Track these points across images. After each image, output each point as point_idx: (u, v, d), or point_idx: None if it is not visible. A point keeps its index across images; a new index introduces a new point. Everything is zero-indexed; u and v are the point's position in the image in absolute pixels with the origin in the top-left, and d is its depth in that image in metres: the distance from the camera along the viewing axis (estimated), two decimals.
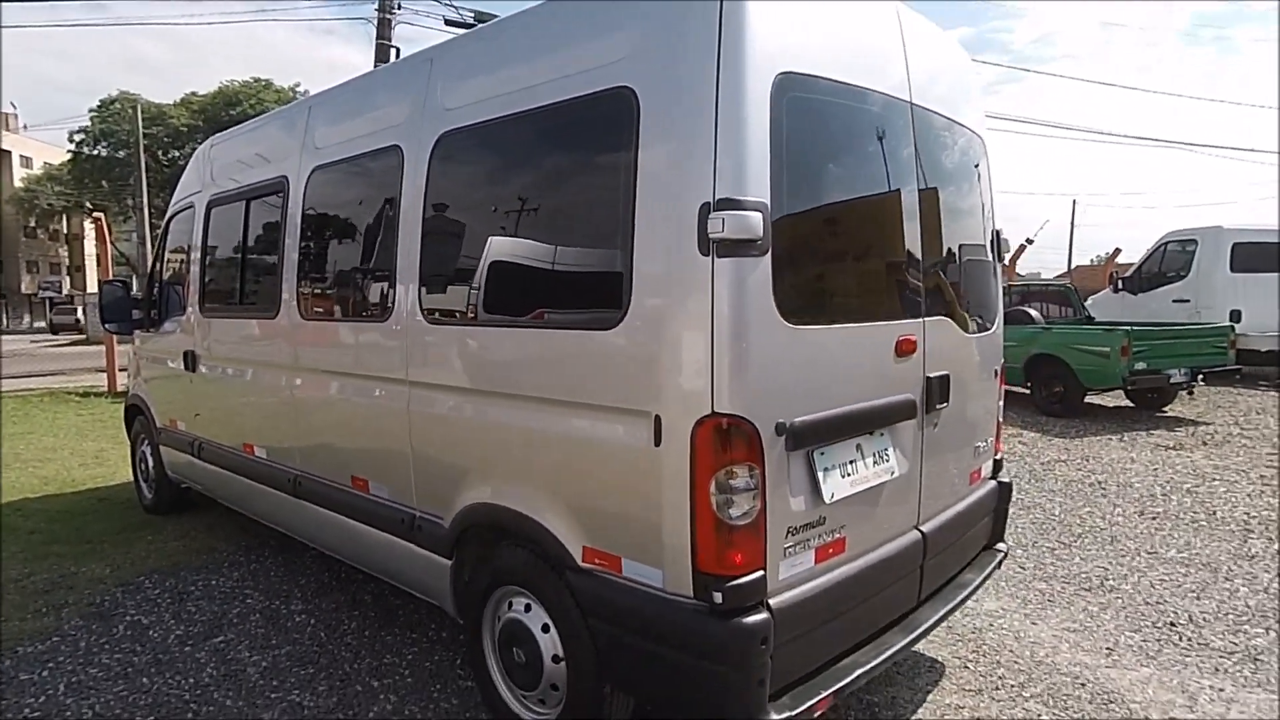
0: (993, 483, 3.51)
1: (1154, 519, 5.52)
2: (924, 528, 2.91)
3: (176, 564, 4.81)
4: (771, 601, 2.26)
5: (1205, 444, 7.84)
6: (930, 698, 3.23)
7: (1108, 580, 4.44)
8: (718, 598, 2.17)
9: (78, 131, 44.06)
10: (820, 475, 2.40)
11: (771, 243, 2.16)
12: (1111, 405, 10.10)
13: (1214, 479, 6.52)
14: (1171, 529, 5.31)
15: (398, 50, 12.91)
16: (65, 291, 56.21)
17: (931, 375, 2.84)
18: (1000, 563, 3.49)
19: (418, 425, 3.15)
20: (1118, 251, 18.50)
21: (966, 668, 3.47)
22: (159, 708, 3.22)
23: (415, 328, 3.09)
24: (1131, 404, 9.95)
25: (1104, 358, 8.64)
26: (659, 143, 2.25)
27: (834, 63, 2.46)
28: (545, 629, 2.69)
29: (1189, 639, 3.73)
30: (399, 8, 13.14)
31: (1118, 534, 5.21)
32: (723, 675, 2.20)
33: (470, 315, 2.92)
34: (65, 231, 58.73)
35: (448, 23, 13.33)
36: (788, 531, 2.32)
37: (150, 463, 5.78)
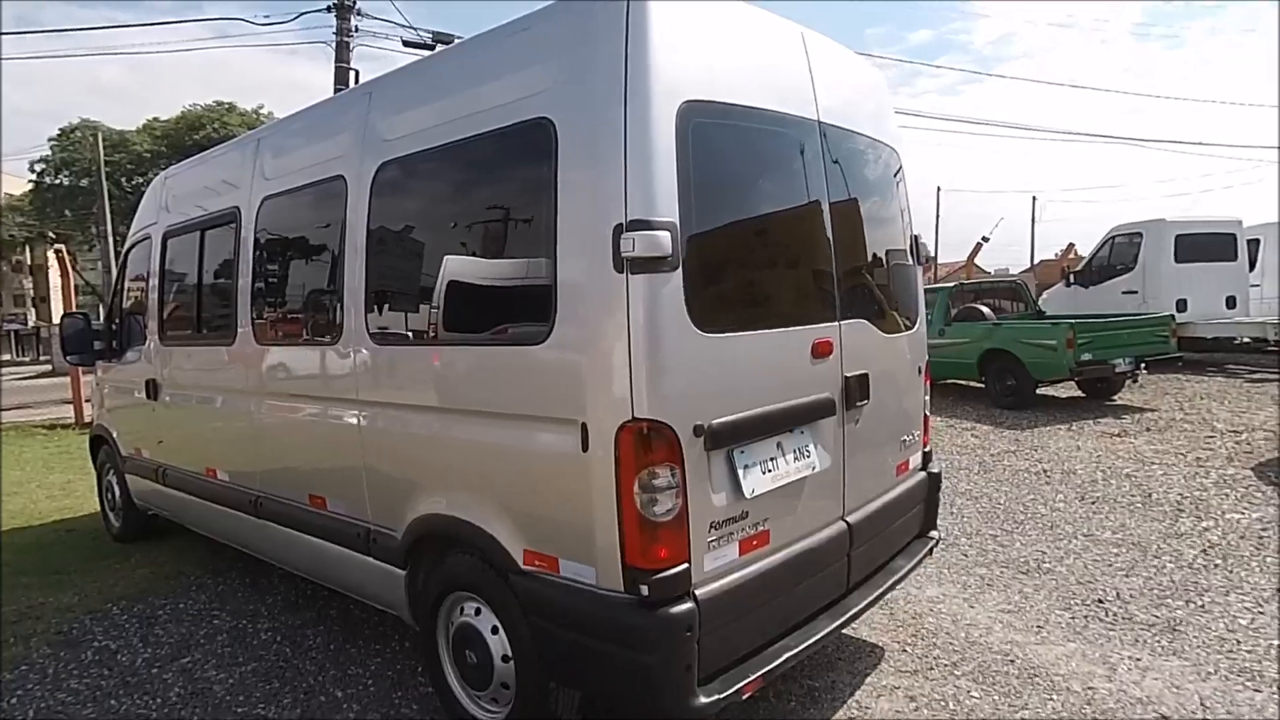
0: (922, 474, 3.71)
1: (1093, 503, 5.78)
2: (850, 518, 3.09)
3: (144, 590, 4.89)
4: (697, 592, 2.42)
5: (1148, 430, 8.16)
6: (868, 680, 3.41)
7: (1044, 563, 4.67)
8: (644, 590, 2.33)
9: (38, 161, 43.42)
10: (741, 472, 2.58)
11: (682, 258, 2.34)
12: (1064, 396, 10.42)
13: (1153, 463, 6.81)
14: (1109, 512, 5.56)
15: (357, 73, 13.03)
16: (30, 324, 55.26)
17: (850, 374, 3.03)
18: (931, 550, 3.68)
19: (369, 442, 3.29)
20: (1071, 246, 19.02)
21: (905, 651, 3.66)
22: None
23: (363, 349, 3.24)
24: (1083, 394, 10.28)
25: (1051, 350, 8.95)
26: (575, 170, 2.43)
27: (738, 88, 2.65)
28: (494, 630, 2.84)
29: (1114, 614, 3.95)
30: (356, 30, 13.28)
31: (1057, 519, 5.45)
32: (652, 663, 2.36)
33: (412, 335, 3.08)
34: (29, 263, 57.79)
35: (406, 44, 13.50)
36: (710, 526, 2.49)
37: (117, 491, 5.84)
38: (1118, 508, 5.65)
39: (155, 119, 41.54)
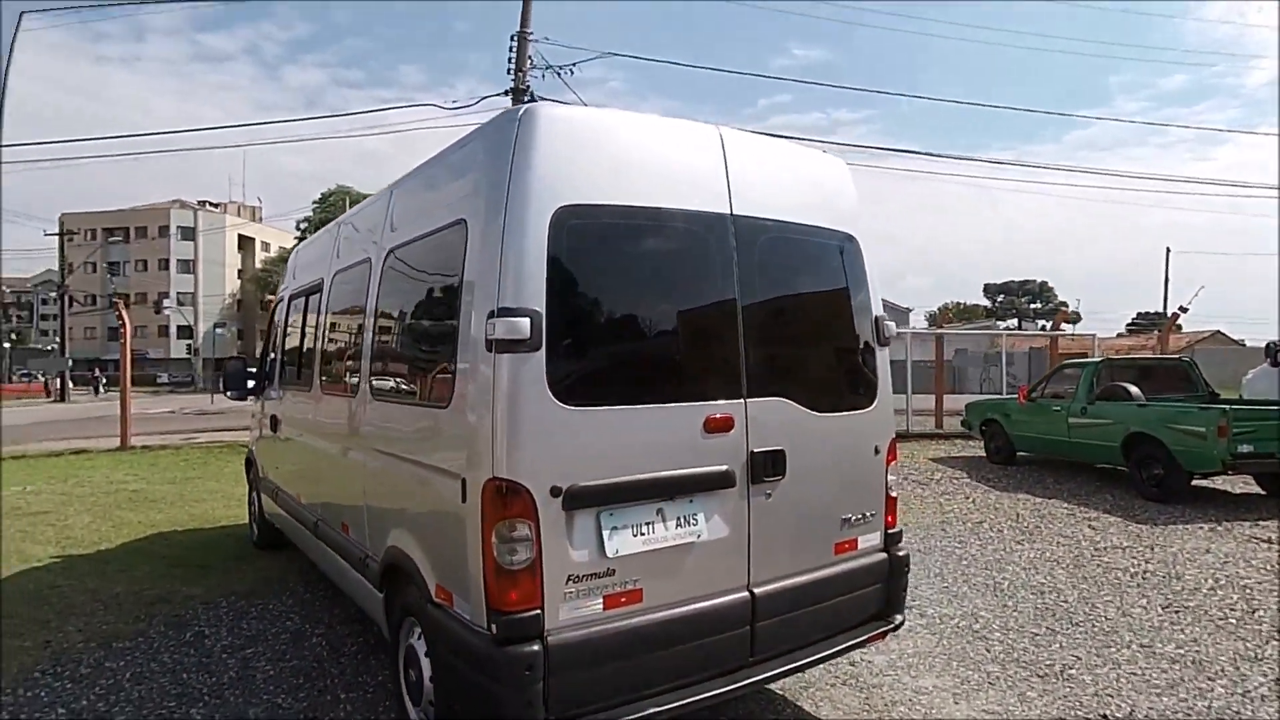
0: (881, 555, 3.68)
1: (1177, 613, 5.17)
2: (756, 590, 3.20)
3: (251, 589, 5.85)
4: (550, 637, 2.71)
5: None
6: None
7: (1070, 669, 4.31)
8: (494, 629, 2.68)
9: (303, 220, 51.59)
10: (606, 533, 2.85)
11: (546, 341, 2.71)
12: (1237, 491, 9.12)
13: None
14: (1188, 624, 4.96)
15: None
16: None
17: (759, 450, 3.19)
18: (884, 633, 3.63)
19: (366, 481, 3.91)
20: None
21: None
22: (183, 696, 4.11)
23: (362, 402, 3.89)
24: (1263, 491, 8.94)
25: (1200, 439, 7.94)
26: (474, 263, 2.90)
27: (630, 190, 2.98)
28: (426, 653, 3.28)
29: None
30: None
31: (1120, 626, 4.96)
32: (499, 693, 2.69)
33: (387, 392, 3.69)
34: None
35: None
36: (569, 579, 2.78)
37: (257, 506, 7.01)
38: (1203, 621, 5.02)
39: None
